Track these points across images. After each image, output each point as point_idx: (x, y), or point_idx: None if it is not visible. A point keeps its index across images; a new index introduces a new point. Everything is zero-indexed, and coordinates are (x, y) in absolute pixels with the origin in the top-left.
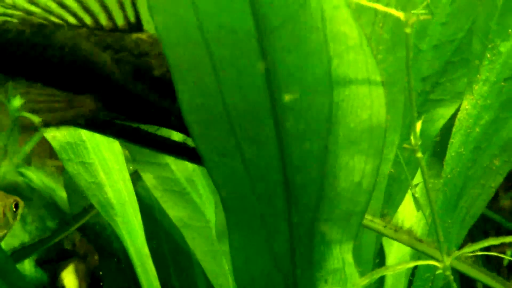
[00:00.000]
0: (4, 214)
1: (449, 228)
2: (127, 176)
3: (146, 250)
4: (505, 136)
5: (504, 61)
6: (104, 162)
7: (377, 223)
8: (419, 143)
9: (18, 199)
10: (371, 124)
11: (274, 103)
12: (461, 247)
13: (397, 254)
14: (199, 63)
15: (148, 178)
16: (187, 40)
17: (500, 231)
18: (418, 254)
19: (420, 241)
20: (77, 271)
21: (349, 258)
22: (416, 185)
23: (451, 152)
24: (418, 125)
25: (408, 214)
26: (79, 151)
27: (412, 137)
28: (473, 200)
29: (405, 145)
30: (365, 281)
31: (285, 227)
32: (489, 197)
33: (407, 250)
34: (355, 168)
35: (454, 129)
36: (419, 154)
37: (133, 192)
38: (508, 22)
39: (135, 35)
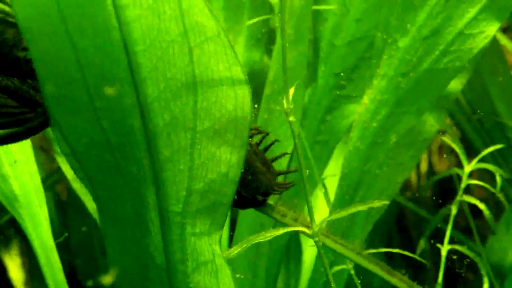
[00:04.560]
0: None
1: (352, 222)
2: (34, 168)
3: (51, 243)
4: (401, 131)
5: (402, 56)
6: (9, 154)
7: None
8: (291, 106)
9: None
10: (236, 114)
11: (139, 95)
12: (370, 242)
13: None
14: (63, 54)
15: (68, 170)
16: (50, 30)
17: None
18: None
19: (308, 226)
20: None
21: (218, 249)
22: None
23: (349, 147)
24: (291, 91)
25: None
26: None
27: (284, 101)
28: (378, 194)
29: (277, 107)
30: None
31: (157, 220)
32: (394, 192)
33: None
34: (221, 159)
35: (353, 124)
36: (291, 118)
37: (40, 184)
38: (408, 17)
39: None
